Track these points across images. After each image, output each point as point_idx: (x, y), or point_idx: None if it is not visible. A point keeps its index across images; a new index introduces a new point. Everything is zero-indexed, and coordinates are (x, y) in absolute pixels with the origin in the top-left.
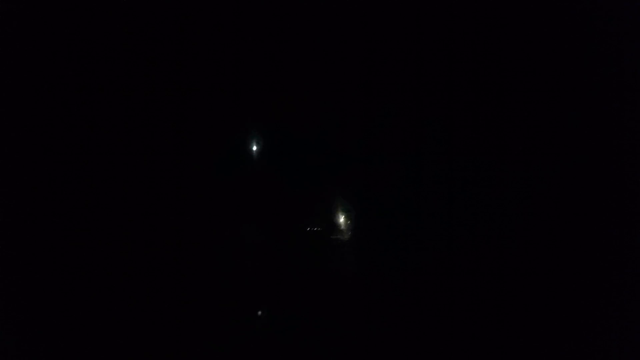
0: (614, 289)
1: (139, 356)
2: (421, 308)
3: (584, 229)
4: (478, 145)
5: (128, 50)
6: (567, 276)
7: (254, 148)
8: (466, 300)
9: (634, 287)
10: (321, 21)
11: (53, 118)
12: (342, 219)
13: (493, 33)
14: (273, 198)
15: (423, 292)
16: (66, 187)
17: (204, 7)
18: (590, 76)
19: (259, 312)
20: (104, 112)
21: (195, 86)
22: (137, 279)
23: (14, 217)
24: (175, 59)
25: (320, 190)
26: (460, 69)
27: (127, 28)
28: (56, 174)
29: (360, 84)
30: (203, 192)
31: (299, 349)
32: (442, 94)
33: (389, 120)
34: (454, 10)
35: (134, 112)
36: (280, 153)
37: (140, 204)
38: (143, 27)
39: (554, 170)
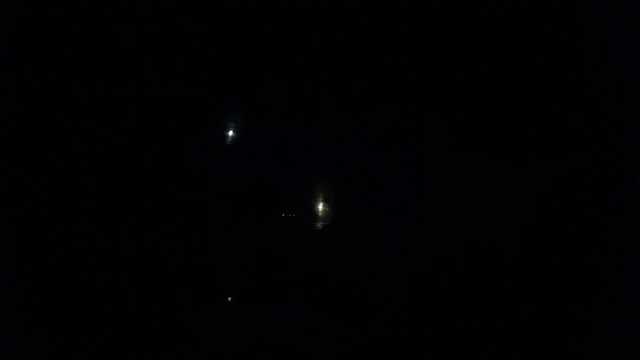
0: (614, 288)
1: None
2: (420, 308)
3: (583, 228)
4: (478, 145)
5: (125, 50)
6: (566, 276)
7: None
8: (465, 299)
9: (634, 287)
10: (321, 21)
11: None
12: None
13: (493, 33)
14: (272, 197)
15: (422, 291)
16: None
17: (205, 6)
18: (590, 76)
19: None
20: (97, 112)
21: (191, 84)
22: (120, 271)
23: (14, 217)
24: (174, 58)
25: (318, 188)
26: (460, 69)
27: (123, 28)
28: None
29: (360, 84)
30: (205, 191)
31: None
32: (442, 94)
33: (389, 120)
34: (454, 10)
35: (129, 110)
36: (279, 152)
37: (124, 197)
38: (140, 26)
39: (554, 170)
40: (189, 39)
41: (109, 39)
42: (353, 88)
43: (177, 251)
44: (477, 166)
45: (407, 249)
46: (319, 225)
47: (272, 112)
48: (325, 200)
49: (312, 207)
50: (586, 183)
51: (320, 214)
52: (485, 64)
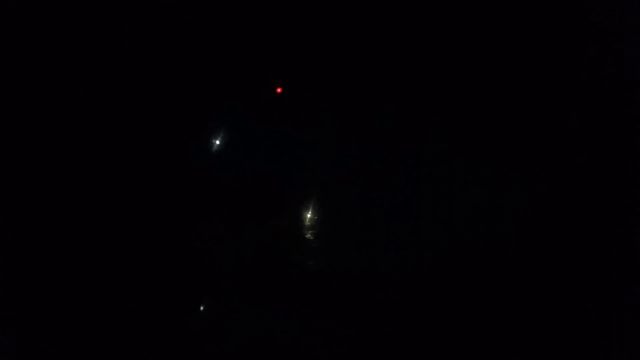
0: (614, 289)
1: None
2: (420, 308)
3: (584, 228)
4: (478, 145)
5: (124, 50)
6: (567, 276)
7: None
8: (465, 299)
9: (634, 287)
10: (321, 21)
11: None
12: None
13: (493, 33)
14: (271, 197)
15: (422, 291)
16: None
17: (204, 6)
18: (590, 76)
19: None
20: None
21: (188, 84)
22: (118, 272)
23: (14, 217)
24: (172, 57)
25: (317, 188)
26: (460, 69)
27: (122, 27)
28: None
29: (360, 84)
30: (205, 191)
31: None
32: (442, 94)
33: (389, 120)
34: (454, 10)
35: (128, 110)
36: (279, 152)
37: (119, 198)
38: (140, 26)
39: (554, 170)
40: (188, 39)
41: (109, 39)
42: (353, 88)
43: (176, 252)
44: (477, 166)
45: (407, 249)
46: (319, 224)
47: (271, 112)
48: (324, 200)
49: (311, 208)
50: (586, 183)
51: (319, 214)
52: (485, 64)
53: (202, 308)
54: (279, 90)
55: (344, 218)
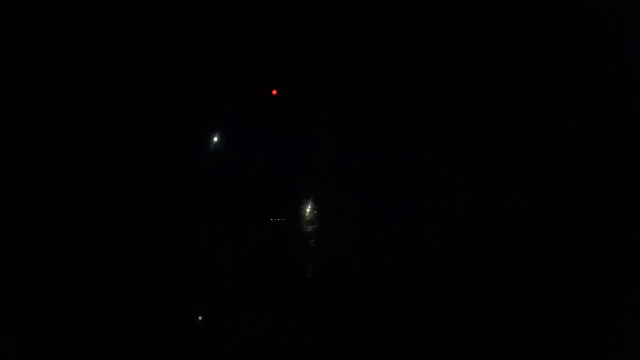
0: (614, 288)
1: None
2: (420, 308)
3: (584, 229)
4: (478, 145)
5: (125, 50)
6: (567, 276)
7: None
8: (465, 299)
9: (634, 287)
10: (321, 21)
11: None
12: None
13: (493, 33)
14: (272, 198)
15: (422, 291)
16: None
17: (205, 6)
18: (590, 76)
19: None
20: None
21: (188, 85)
22: (119, 272)
23: (14, 217)
24: (173, 58)
25: (317, 189)
26: (460, 69)
27: (122, 28)
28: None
29: (360, 85)
30: (200, 191)
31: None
32: (441, 94)
33: (389, 120)
34: (454, 10)
35: (128, 110)
36: (279, 153)
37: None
38: (140, 26)
39: (554, 170)
40: (189, 39)
41: (109, 39)
42: (353, 89)
43: (176, 252)
44: (477, 166)
45: (407, 249)
46: (319, 225)
47: (271, 112)
48: (324, 201)
49: (311, 208)
50: (586, 183)
51: (319, 215)
52: (485, 64)
53: (202, 308)
54: (274, 92)
55: (343, 218)
